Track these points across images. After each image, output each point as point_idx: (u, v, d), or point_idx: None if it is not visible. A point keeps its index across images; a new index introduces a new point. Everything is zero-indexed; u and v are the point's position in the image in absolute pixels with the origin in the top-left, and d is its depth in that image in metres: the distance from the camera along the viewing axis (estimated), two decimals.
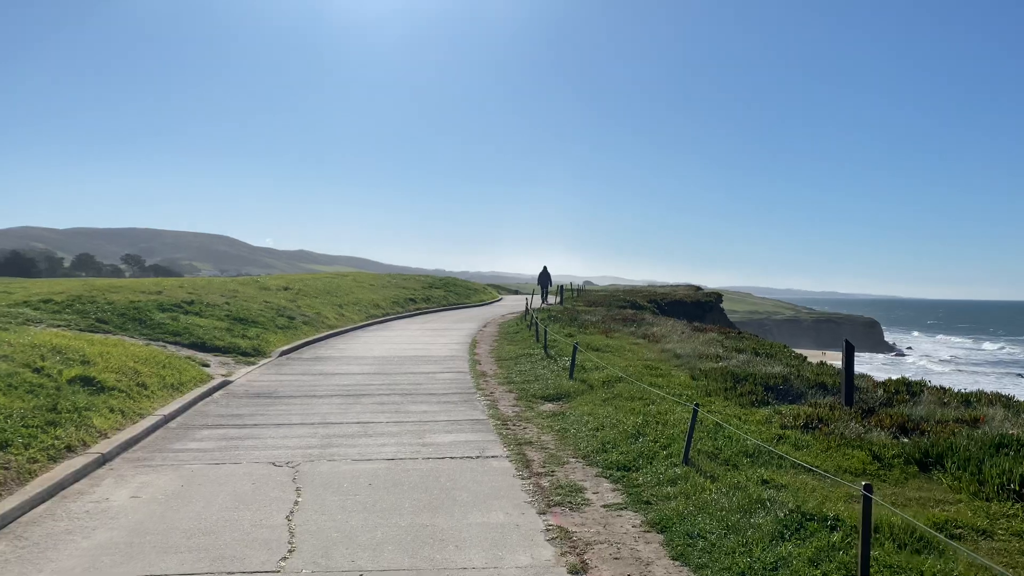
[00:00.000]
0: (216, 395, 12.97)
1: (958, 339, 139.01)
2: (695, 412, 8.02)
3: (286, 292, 28.81)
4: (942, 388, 12.17)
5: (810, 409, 10.39)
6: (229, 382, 14.19)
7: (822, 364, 16.12)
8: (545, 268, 43.15)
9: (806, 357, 18.26)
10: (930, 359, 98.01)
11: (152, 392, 11.48)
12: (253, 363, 16.72)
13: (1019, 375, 75.56)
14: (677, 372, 14.93)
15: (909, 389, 12.18)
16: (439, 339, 22.79)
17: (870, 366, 77.10)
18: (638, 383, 12.69)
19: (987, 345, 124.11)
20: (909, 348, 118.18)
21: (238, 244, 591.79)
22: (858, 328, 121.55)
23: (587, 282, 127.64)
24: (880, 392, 11.91)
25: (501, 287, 70.38)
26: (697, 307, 51.21)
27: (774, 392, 12.33)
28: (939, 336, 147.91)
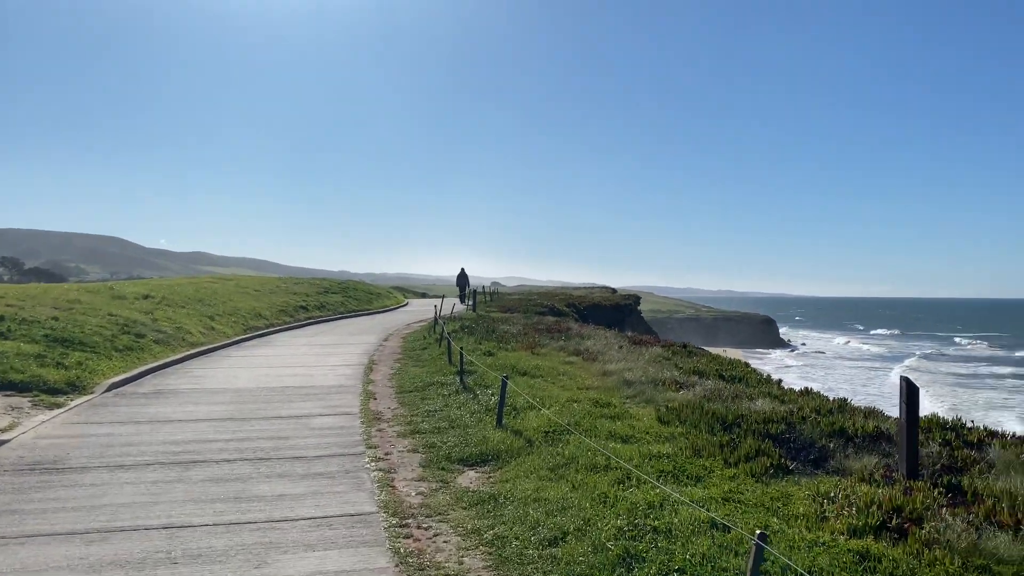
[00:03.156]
0: None
1: (826, 334, 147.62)
2: (757, 551, 4.26)
3: (145, 301, 23.83)
4: (1016, 437, 8.86)
5: (869, 489, 6.85)
6: (1, 442, 9.68)
7: (808, 392, 12.85)
8: (463, 270, 42.46)
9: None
10: (816, 355, 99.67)
11: None
12: (61, 405, 12.14)
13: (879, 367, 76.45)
14: (636, 409, 11.30)
15: (963, 439, 8.83)
16: (327, 359, 18.53)
17: (775, 364, 76.64)
18: (594, 439, 8.94)
19: (839, 339, 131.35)
20: (803, 343, 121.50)
21: (130, 246, 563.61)
22: (756, 326, 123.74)
23: (495, 283, 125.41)
24: (934, 445, 8.51)
25: (407, 290, 65.98)
26: (616, 311, 48.38)
27: (783, 446, 8.81)
28: (811, 332, 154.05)
